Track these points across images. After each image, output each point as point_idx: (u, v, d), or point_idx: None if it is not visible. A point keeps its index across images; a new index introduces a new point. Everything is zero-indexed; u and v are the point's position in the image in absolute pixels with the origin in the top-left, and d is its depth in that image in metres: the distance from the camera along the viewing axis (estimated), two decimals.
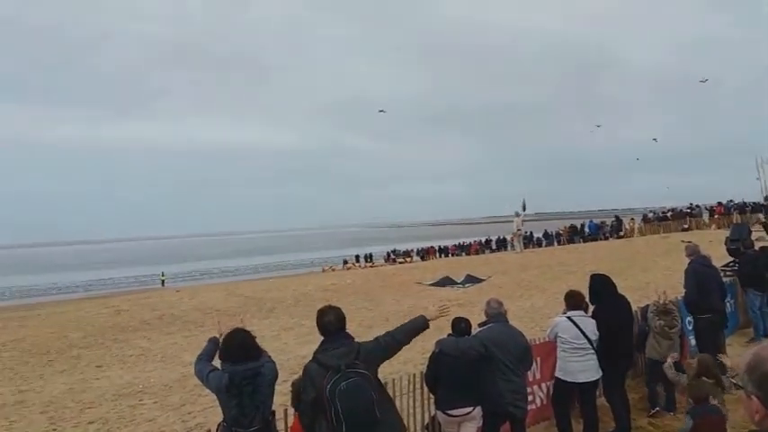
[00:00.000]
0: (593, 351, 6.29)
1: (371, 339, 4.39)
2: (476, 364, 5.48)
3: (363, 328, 13.49)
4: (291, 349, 12.27)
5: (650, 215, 48.38)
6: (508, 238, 44.32)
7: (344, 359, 3.97)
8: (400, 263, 45.76)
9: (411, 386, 6.57)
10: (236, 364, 4.14)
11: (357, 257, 52.40)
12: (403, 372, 7.98)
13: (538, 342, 7.27)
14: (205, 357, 4.48)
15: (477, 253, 47.55)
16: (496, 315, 5.85)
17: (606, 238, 43.38)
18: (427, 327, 4.50)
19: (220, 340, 4.46)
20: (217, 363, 4.46)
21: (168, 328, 17.55)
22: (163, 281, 46.19)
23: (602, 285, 6.78)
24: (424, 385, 6.29)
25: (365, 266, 45.82)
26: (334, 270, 43.11)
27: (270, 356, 4.53)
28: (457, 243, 54.96)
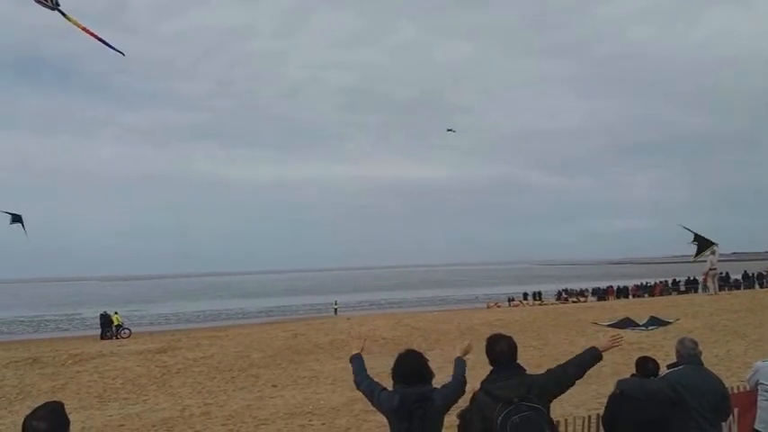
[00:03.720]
0: None
1: (542, 372, 4.04)
2: (663, 410, 4.75)
3: (531, 367, 12.55)
4: None
5: None
6: (700, 278, 39.91)
7: (517, 391, 3.69)
8: (573, 302, 43.28)
9: (586, 429, 5.94)
10: (408, 386, 3.98)
11: (525, 295, 50.68)
12: (575, 416, 7.32)
13: (736, 391, 6.25)
14: (362, 373, 4.37)
15: (662, 294, 43.52)
16: (690, 356, 5.03)
17: None
18: (600, 358, 4.07)
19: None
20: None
21: (338, 352, 18.16)
22: (336, 309, 48.34)
23: None
24: (601, 428, 5.63)
25: (533, 304, 44.00)
26: (499, 306, 41.92)
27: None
28: (639, 283, 50.92)
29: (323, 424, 10.34)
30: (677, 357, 5.13)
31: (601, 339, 4.25)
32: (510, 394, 3.66)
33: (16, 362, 19.32)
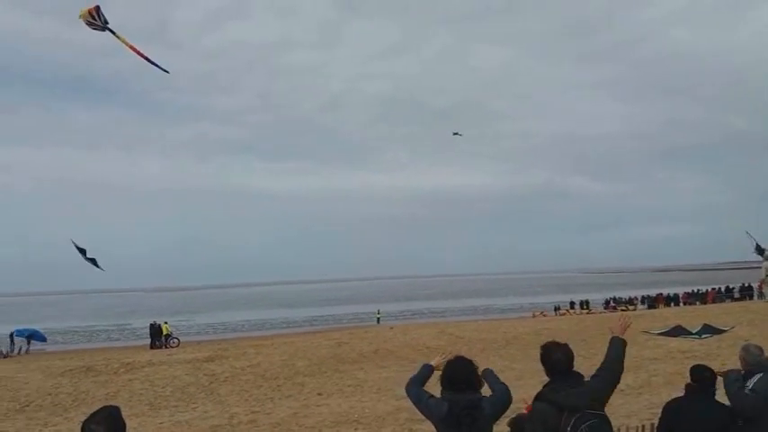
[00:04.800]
0: None
1: (593, 378, 3.95)
2: (728, 420, 4.52)
3: None
4: None
5: None
6: (755, 285, 38.47)
7: (581, 400, 3.63)
8: (622, 310, 42.20)
9: None
10: (457, 393, 3.94)
11: (572, 303, 49.68)
12: (628, 425, 7.11)
13: None
14: (419, 382, 4.35)
15: (714, 301, 42.05)
16: (758, 363, 4.80)
17: None
18: (625, 343, 4.01)
19: (435, 368, 4.36)
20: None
21: (383, 361, 18.17)
22: (378, 318, 48.35)
23: None
24: None
25: (581, 313, 43.12)
26: (545, 315, 41.24)
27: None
28: (690, 290, 49.37)
29: None
30: (743, 365, 4.90)
31: (612, 325, 4.17)
32: (576, 403, 3.60)
33: (71, 370, 19.97)
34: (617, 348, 4.00)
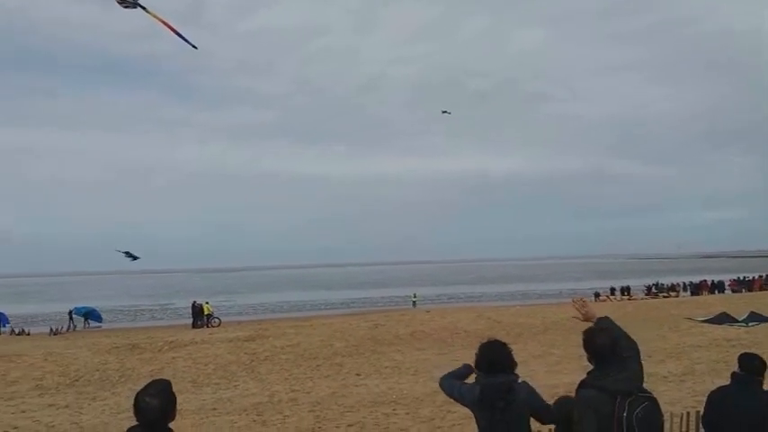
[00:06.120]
0: None
1: (625, 359, 3.88)
2: None
3: None
4: (540, 378, 11.68)
5: None
6: None
7: (632, 383, 3.57)
8: (664, 297, 41.39)
9: (684, 427, 5.67)
10: (490, 376, 3.94)
11: (612, 290, 48.89)
12: (672, 413, 7.00)
13: None
14: (454, 376, 4.34)
15: (762, 289, 40.85)
16: None
17: None
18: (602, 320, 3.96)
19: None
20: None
21: (420, 344, 18.27)
22: (414, 302, 48.51)
23: None
24: (701, 427, 5.32)
25: (621, 299, 42.41)
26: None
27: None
28: (736, 277, 48.09)
29: (407, 413, 10.41)
30: None
31: (576, 317, 4.15)
32: (628, 387, 3.54)
33: (117, 347, 20.68)
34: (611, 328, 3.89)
